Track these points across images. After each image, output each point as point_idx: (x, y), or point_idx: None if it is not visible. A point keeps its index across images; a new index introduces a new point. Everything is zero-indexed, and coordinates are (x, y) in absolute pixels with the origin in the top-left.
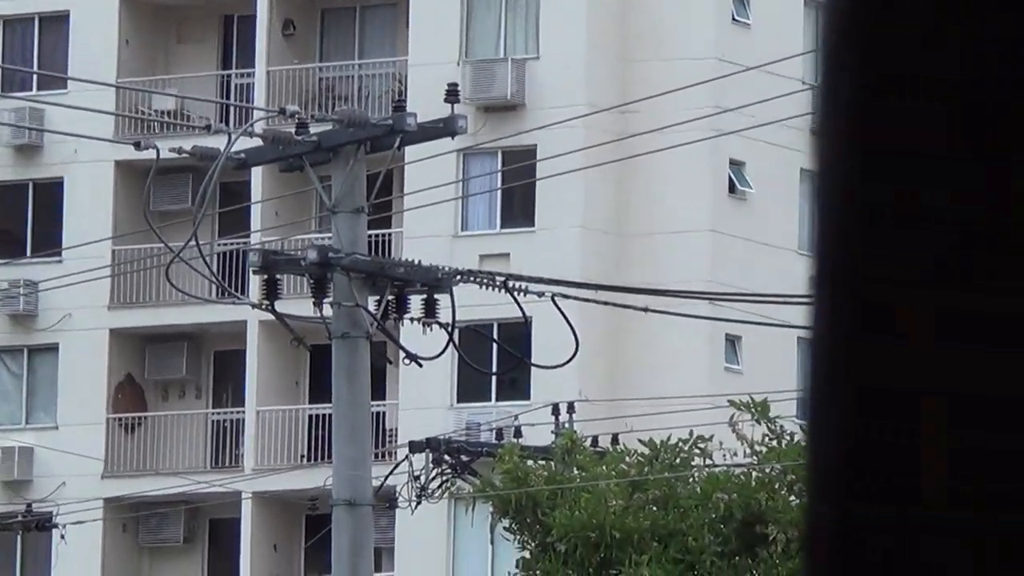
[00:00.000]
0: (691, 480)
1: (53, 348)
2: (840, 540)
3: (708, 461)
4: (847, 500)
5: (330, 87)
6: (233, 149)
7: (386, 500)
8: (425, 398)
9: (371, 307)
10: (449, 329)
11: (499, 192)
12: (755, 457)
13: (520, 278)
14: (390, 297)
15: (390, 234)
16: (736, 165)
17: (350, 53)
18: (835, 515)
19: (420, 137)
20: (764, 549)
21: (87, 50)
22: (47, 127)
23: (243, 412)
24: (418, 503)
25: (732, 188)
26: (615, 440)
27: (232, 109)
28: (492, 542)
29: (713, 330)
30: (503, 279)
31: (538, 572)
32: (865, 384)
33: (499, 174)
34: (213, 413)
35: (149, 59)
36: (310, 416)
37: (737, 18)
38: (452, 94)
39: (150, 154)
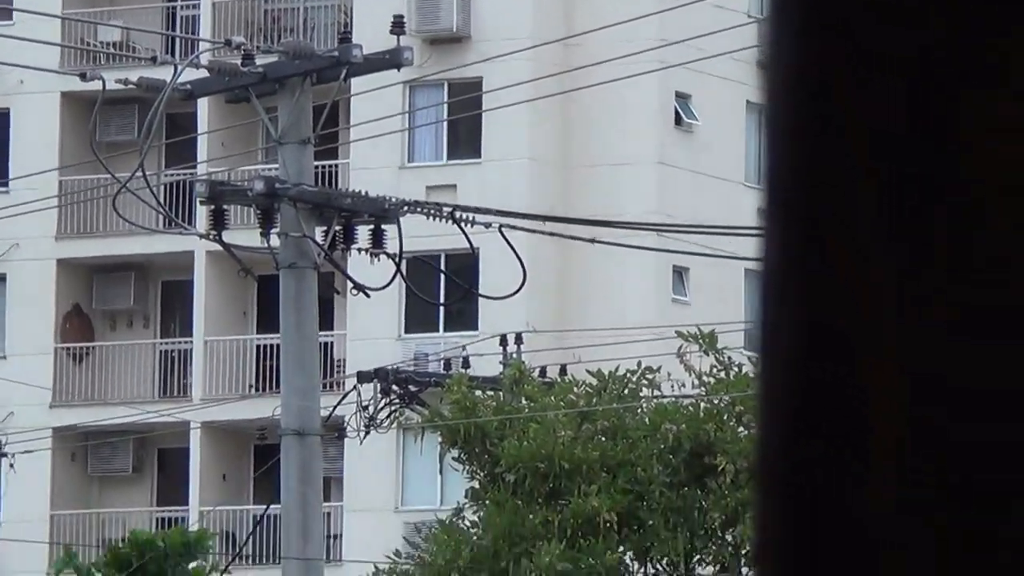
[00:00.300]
0: (639, 411)
1: (0, 278)
2: (790, 475)
3: (656, 392)
4: (797, 435)
5: (276, 19)
6: (179, 80)
7: (335, 430)
8: (373, 328)
9: (318, 238)
10: (396, 259)
11: (445, 124)
12: (703, 388)
13: (467, 209)
14: (337, 228)
15: (336, 165)
16: (682, 98)
17: None
18: (785, 449)
19: (366, 69)
20: (713, 480)
21: None
22: None
23: (191, 342)
24: (367, 433)
25: (678, 120)
26: (563, 371)
27: (178, 41)
28: (441, 472)
29: (660, 262)
30: (450, 210)
31: (487, 502)
32: (815, 319)
33: (445, 106)
34: (161, 343)
35: None
36: (258, 346)
37: None
38: (398, 26)
39: (96, 85)
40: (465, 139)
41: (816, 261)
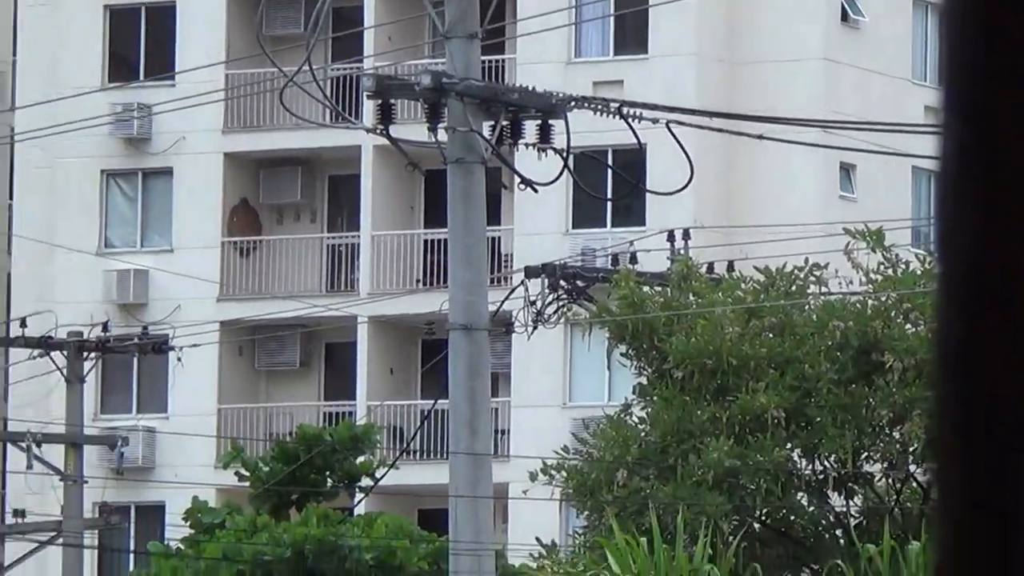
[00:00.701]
0: (807, 308)
1: (167, 172)
2: (971, 362)
3: (824, 289)
4: (977, 323)
5: None
6: None
7: (502, 325)
8: (540, 223)
9: (485, 132)
10: (564, 155)
11: (612, 19)
12: (871, 285)
13: (634, 105)
14: (504, 123)
15: (503, 60)
16: None
17: None
18: (966, 337)
19: None
20: (880, 377)
21: None
22: None
23: (358, 236)
24: (534, 328)
25: (845, 16)
26: (731, 267)
27: None
28: (609, 367)
29: (827, 158)
30: (617, 105)
31: (655, 398)
32: (993, 209)
33: (612, 0)
34: (328, 237)
35: None
36: (425, 241)
37: None
38: None
39: None
40: (632, 34)
41: (992, 154)
